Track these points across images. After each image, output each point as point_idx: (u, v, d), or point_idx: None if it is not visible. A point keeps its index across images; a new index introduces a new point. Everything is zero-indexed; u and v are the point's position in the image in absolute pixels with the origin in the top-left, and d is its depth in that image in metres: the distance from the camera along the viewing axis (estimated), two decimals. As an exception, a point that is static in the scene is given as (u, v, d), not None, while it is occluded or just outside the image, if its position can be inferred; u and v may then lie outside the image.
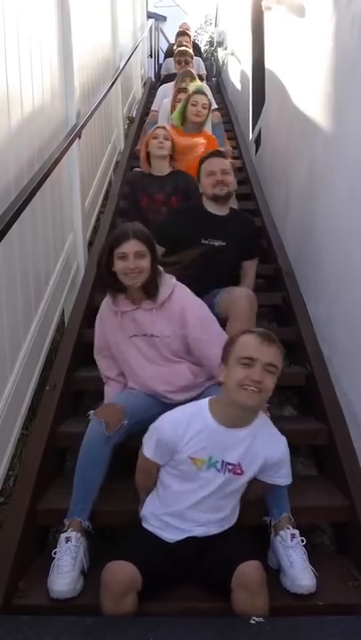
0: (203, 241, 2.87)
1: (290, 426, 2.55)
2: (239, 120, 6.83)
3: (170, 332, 2.25)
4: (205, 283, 2.68)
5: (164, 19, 14.88)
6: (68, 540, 1.94)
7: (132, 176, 3.84)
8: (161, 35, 14.26)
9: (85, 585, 1.87)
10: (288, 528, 1.98)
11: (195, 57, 6.63)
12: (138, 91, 8.38)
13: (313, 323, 3.04)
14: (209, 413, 1.86)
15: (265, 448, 1.89)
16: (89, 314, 3.25)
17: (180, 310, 2.26)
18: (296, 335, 3.09)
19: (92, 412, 2.38)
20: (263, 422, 1.93)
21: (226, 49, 9.56)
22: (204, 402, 1.91)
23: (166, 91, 5.25)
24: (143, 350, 2.28)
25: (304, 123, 3.47)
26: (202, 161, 3.05)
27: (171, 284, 2.28)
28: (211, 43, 12.92)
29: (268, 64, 4.99)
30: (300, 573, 1.88)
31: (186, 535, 1.88)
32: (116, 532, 2.12)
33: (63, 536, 1.96)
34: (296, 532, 1.98)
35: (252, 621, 1.63)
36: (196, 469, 1.86)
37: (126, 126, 6.72)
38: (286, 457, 1.94)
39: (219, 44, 10.76)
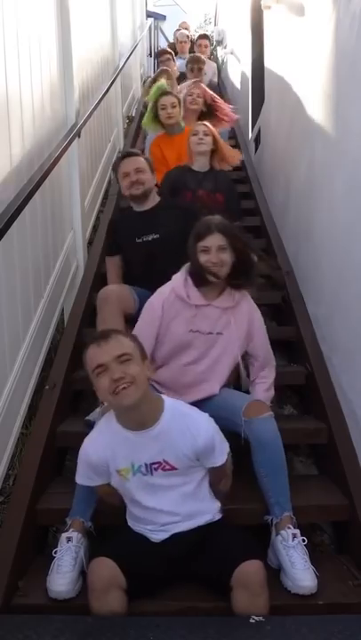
0: (137, 240, 2.86)
1: (290, 425, 2.56)
2: (239, 119, 6.81)
3: (237, 331, 2.27)
4: (157, 280, 2.54)
5: (163, 18, 14.87)
6: (69, 539, 1.94)
7: (172, 173, 3.72)
8: (160, 34, 14.25)
9: (85, 585, 1.87)
10: (289, 528, 1.97)
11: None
12: (137, 90, 8.38)
13: (313, 322, 3.04)
14: (117, 423, 1.85)
15: (184, 438, 1.82)
16: (89, 313, 3.25)
17: (251, 314, 2.30)
18: (296, 334, 3.09)
19: (89, 416, 2.40)
20: (174, 412, 1.86)
21: (225, 48, 9.56)
22: (110, 415, 1.89)
23: None
24: (203, 346, 2.27)
25: (303, 121, 3.47)
26: (115, 163, 3.03)
27: (245, 295, 2.32)
28: (210, 42, 12.89)
29: (268, 63, 4.99)
30: (302, 574, 1.87)
31: (170, 533, 1.87)
32: (114, 532, 2.12)
33: (64, 536, 1.96)
34: (297, 531, 1.97)
35: (251, 620, 1.62)
36: (124, 480, 1.85)
37: (126, 125, 6.72)
38: (210, 438, 1.85)
39: (218, 42, 10.74)
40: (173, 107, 4.04)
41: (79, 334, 3.05)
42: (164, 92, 4.13)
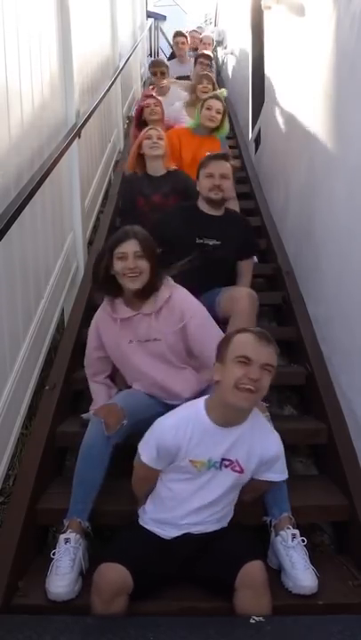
0: (197, 240, 2.86)
1: (290, 425, 2.56)
2: (239, 119, 6.83)
3: (171, 333, 2.23)
4: (203, 282, 2.68)
5: (163, 18, 14.85)
6: (67, 541, 1.94)
7: (129, 177, 3.78)
8: (161, 34, 14.24)
9: (84, 585, 1.86)
10: (289, 528, 1.98)
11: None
12: (137, 90, 8.38)
13: (313, 322, 3.04)
14: (205, 414, 1.85)
15: (261, 444, 1.88)
16: (89, 313, 3.23)
17: (180, 312, 2.25)
18: (296, 334, 3.09)
19: (84, 415, 2.42)
20: (257, 418, 1.92)
21: (225, 48, 9.56)
22: (200, 403, 1.89)
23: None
24: (148, 354, 2.26)
25: (303, 122, 3.47)
26: (204, 161, 3.02)
27: (169, 286, 2.27)
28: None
29: (268, 63, 4.99)
30: (302, 574, 1.88)
31: (183, 532, 1.88)
32: (116, 533, 2.12)
33: (62, 537, 1.96)
34: (297, 532, 1.97)
35: (251, 620, 1.63)
36: (197, 471, 1.85)
37: (126, 125, 6.72)
38: (281, 453, 1.93)
39: (218, 43, 10.75)
40: (218, 112, 4.05)
41: (79, 334, 3.05)
42: (215, 96, 4.16)
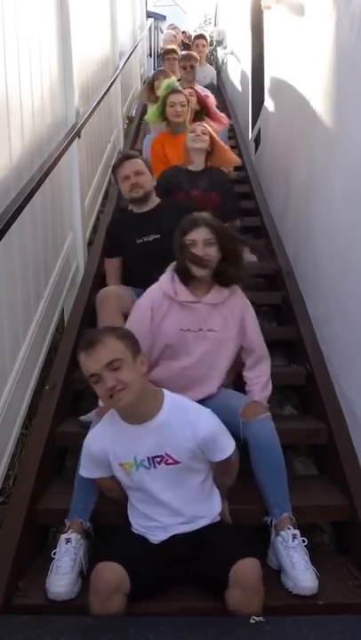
0: (138, 241, 2.88)
1: (290, 425, 2.56)
2: (239, 119, 6.83)
3: (228, 328, 2.23)
4: (153, 279, 2.62)
5: (163, 18, 14.88)
6: (68, 541, 1.94)
7: (167, 173, 3.67)
8: (160, 34, 14.26)
9: (85, 586, 1.86)
10: (289, 528, 1.97)
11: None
12: (137, 90, 8.38)
13: (313, 322, 3.04)
14: (118, 417, 1.88)
15: (184, 431, 1.83)
16: (89, 313, 3.25)
17: (242, 309, 2.26)
18: (296, 334, 3.09)
19: (82, 417, 2.42)
20: (174, 406, 1.88)
21: (225, 48, 9.57)
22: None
23: None
24: (194, 344, 2.23)
25: (303, 122, 3.47)
26: (115, 165, 3.02)
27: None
28: (210, 42, 12.91)
29: (268, 63, 4.99)
30: (303, 574, 1.87)
31: (170, 534, 1.87)
32: (116, 533, 2.12)
33: (63, 537, 1.96)
34: (297, 532, 1.97)
35: (251, 620, 1.62)
36: (127, 473, 1.87)
37: (126, 125, 6.72)
38: (211, 432, 1.85)
39: (218, 43, 10.76)
40: (182, 105, 3.99)
41: (79, 334, 3.05)
42: (174, 90, 4.09)
